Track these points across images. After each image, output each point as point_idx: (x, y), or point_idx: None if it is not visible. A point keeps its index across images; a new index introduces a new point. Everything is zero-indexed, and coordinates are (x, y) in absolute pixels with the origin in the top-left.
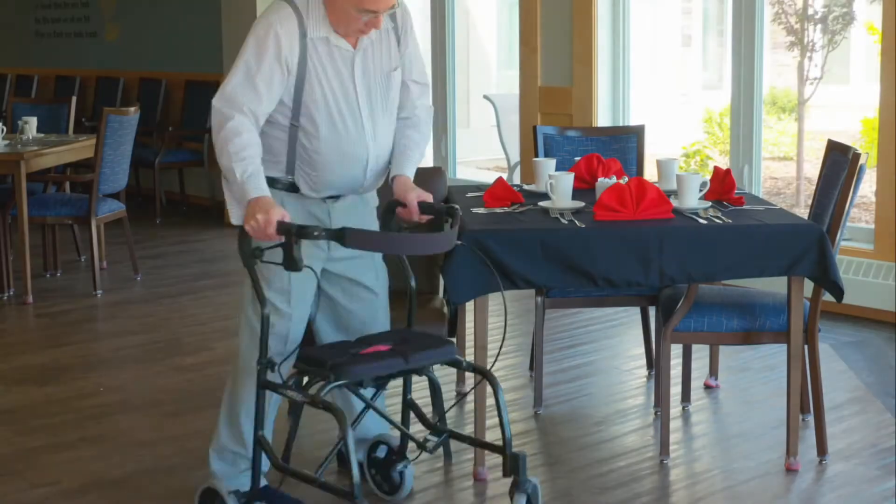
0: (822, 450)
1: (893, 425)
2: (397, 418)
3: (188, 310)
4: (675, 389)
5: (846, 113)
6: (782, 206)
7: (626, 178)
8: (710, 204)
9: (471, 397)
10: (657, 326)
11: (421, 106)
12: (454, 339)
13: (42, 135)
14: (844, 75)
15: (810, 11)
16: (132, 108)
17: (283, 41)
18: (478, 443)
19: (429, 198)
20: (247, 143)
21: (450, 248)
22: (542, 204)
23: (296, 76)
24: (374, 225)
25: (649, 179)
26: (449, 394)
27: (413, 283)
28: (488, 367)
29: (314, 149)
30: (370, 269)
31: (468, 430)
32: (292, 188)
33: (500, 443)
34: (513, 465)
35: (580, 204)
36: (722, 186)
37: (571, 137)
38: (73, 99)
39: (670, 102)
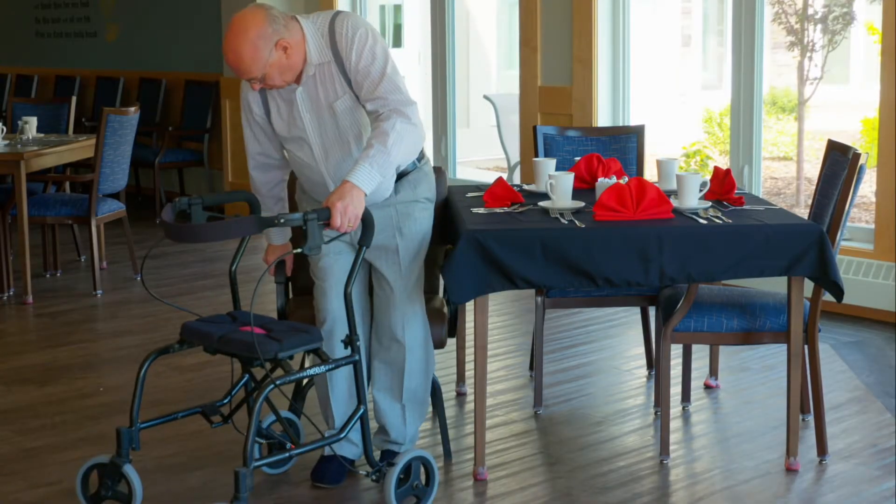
0: (822, 450)
1: (893, 425)
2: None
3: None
4: (675, 389)
5: (846, 113)
6: (782, 206)
7: (626, 178)
8: (710, 204)
9: (470, 396)
10: (657, 326)
11: (390, 113)
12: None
13: (42, 135)
14: (844, 75)
15: (810, 11)
16: (132, 108)
17: (247, 97)
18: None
19: (333, 207)
20: (255, 183)
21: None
22: (542, 204)
23: (266, 114)
24: (388, 230)
25: (649, 179)
26: (449, 394)
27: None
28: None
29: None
30: (392, 265)
31: (468, 429)
32: None
33: (501, 444)
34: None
35: (580, 204)
36: (722, 186)
37: (571, 137)
38: (73, 99)
39: (670, 102)
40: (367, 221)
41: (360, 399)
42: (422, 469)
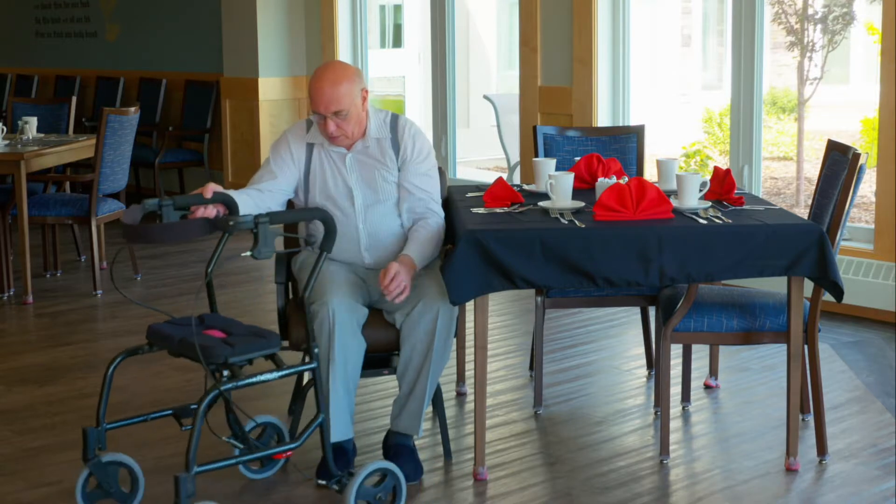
0: (821, 450)
1: (893, 425)
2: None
3: (188, 310)
4: (675, 389)
5: (846, 113)
6: (782, 206)
7: (626, 178)
8: (710, 204)
9: (470, 396)
10: (657, 326)
11: (429, 212)
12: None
13: (42, 135)
14: (844, 75)
15: (810, 11)
16: (132, 108)
17: (290, 140)
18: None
19: (397, 269)
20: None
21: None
22: (542, 204)
23: (303, 171)
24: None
25: (649, 179)
26: (449, 394)
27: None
28: None
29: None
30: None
31: (468, 429)
32: None
33: (501, 444)
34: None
35: (580, 204)
36: (722, 186)
37: (571, 137)
38: (73, 99)
39: (670, 102)
40: (329, 226)
41: (319, 407)
42: (391, 482)
